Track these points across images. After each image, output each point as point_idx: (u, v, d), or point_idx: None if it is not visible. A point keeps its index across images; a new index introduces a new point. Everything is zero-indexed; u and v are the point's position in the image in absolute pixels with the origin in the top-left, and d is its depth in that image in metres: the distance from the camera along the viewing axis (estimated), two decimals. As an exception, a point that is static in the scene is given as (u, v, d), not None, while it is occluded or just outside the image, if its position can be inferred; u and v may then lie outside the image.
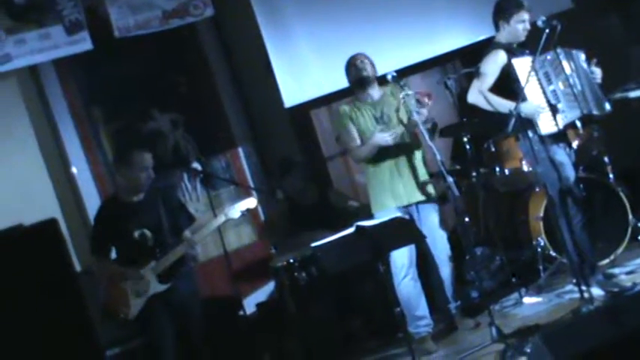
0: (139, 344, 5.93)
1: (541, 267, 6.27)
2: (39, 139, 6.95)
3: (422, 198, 5.77)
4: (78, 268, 6.28)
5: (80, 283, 2.71)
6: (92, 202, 6.84)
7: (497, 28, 5.87)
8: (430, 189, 5.82)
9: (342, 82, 6.08)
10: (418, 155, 5.84)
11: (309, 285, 6.19)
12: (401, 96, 5.51)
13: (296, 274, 6.20)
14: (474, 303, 6.15)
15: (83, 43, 6.34)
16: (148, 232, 5.52)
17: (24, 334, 2.50)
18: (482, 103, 5.73)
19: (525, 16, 5.76)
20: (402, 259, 5.73)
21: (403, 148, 5.77)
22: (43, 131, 7.05)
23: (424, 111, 5.48)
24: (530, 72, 5.51)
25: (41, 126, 7.05)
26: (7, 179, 6.66)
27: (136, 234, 5.52)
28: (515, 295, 6.16)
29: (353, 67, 5.88)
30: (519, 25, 5.77)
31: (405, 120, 5.72)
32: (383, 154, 5.75)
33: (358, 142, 5.81)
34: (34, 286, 2.52)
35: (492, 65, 5.73)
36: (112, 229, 5.56)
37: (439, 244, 5.85)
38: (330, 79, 6.86)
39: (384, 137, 5.66)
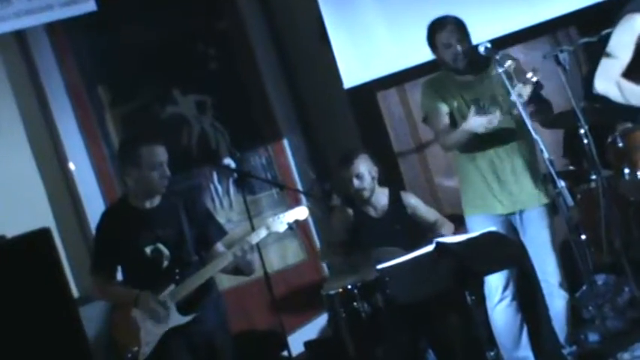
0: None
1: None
2: (27, 126, 7.04)
3: (530, 205, 5.77)
4: (75, 292, 6.30)
5: (78, 311, 2.70)
6: (94, 207, 6.86)
7: None
8: (542, 194, 5.81)
9: (419, 57, 6.14)
10: (527, 148, 5.82)
11: (373, 318, 6.12)
12: (500, 70, 5.43)
13: (356, 304, 6.14)
14: (594, 349, 6.12)
15: (84, 4, 6.43)
16: (163, 248, 5.51)
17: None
18: (613, 94, 5.59)
19: None
20: (496, 278, 5.77)
21: (507, 138, 5.77)
22: (32, 117, 7.11)
23: (527, 90, 5.40)
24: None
25: (30, 110, 7.11)
26: (-13, 179, 6.82)
27: (148, 250, 5.50)
28: (653, 341, 6.02)
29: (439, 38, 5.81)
30: None
31: (502, 102, 5.69)
32: (480, 143, 5.74)
33: (448, 124, 5.81)
34: (20, 312, 2.53)
35: (625, 36, 5.55)
36: (117, 243, 5.54)
37: (549, 268, 5.84)
38: (403, 52, 6.91)
39: (480, 122, 5.59)
